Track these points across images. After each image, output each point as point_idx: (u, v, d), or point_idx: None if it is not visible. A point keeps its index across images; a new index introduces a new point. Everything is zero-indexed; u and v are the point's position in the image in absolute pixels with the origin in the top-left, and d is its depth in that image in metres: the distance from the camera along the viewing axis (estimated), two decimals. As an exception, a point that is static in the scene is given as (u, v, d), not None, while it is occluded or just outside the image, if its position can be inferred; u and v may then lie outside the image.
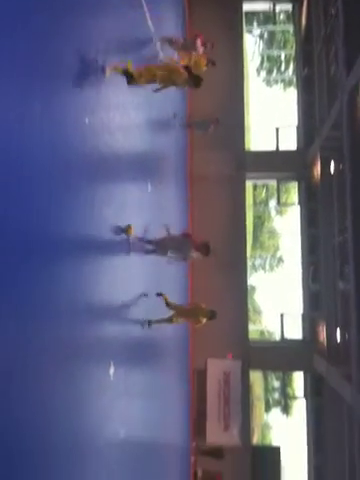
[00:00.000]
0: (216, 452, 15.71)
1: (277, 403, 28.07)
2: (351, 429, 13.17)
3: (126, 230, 7.49)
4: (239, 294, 17.37)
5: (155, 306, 9.60)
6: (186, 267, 15.65)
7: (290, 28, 21.71)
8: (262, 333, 27.66)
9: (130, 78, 6.71)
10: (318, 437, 17.06)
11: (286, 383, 22.93)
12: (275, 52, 26.21)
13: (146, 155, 9.87)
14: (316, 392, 17.28)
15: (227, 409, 16.56)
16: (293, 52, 21.64)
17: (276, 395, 28.00)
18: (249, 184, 20.18)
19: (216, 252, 11.76)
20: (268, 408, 28.60)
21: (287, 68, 26.86)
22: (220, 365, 16.49)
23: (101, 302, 6.48)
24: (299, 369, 18.79)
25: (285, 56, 26.43)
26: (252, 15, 22.36)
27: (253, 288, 28.13)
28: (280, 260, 31.36)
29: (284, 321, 18.77)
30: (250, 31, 23.52)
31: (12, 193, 3.86)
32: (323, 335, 15.72)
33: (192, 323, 10.54)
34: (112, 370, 6.70)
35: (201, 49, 12.25)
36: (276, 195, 20.66)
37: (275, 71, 27.33)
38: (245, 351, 16.96)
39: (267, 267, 31.70)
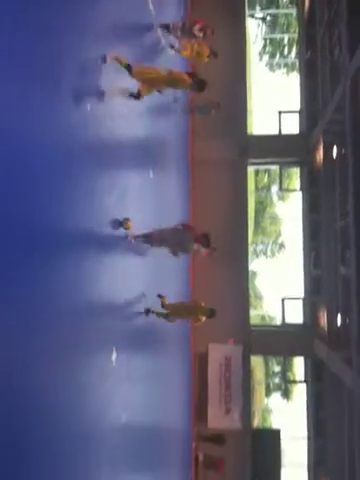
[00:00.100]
0: (218, 438, 15.85)
1: (278, 387, 28.30)
2: (351, 413, 13.26)
3: (124, 224, 7.25)
4: (240, 279, 17.39)
5: (156, 293, 9.64)
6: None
7: (293, 11, 21.45)
8: (263, 318, 27.80)
9: (130, 70, 6.64)
10: (318, 421, 17.20)
11: (287, 368, 23.08)
12: (278, 36, 25.95)
13: (147, 141, 9.82)
14: (316, 377, 17.37)
15: (228, 393, 16.69)
16: (296, 35, 21.41)
17: (277, 380, 28.23)
18: (251, 169, 20.09)
19: (217, 247, 11.76)
20: (269, 392, 28.84)
21: (290, 52, 26.62)
22: (221, 350, 16.56)
23: (103, 290, 6.49)
24: (300, 354, 18.89)
25: (288, 40, 26.17)
26: (255, -2, 22.11)
27: (254, 273, 28.19)
28: (282, 246, 31.39)
29: (285, 306, 18.83)
30: (253, 15, 23.26)
31: (13, 181, 3.85)
32: (324, 320, 15.77)
33: (192, 321, 10.36)
34: (114, 356, 6.73)
35: (200, 35, 11.99)
36: (278, 180, 20.58)
37: (278, 55, 27.10)
38: (246, 336, 17.03)
39: (268, 253, 31.74)
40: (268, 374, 27.68)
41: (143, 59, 9.19)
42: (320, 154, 16.26)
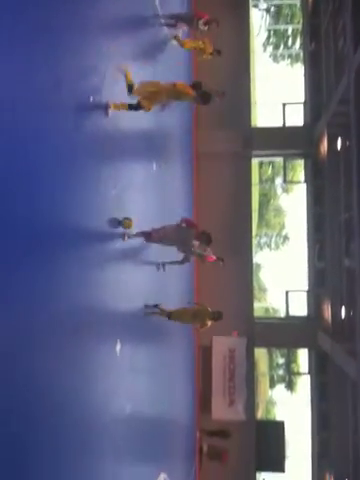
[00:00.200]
0: (223, 433, 15.92)
1: (282, 379, 28.35)
2: (355, 405, 13.30)
3: (123, 223, 7.02)
4: (244, 272, 17.39)
5: (163, 284, 9.66)
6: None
7: (297, 2, 21.29)
8: (267, 310, 27.80)
9: (131, 88, 6.53)
10: (322, 413, 17.25)
11: (291, 360, 23.11)
12: (282, 27, 25.79)
13: (151, 133, 9.81)
14: (320, 369, 17.40)
15: (232, 385, 16.74)
16: (300, 26, 21.26)
17: (281, 371, 28.28)
18: (255, 162, 20.04)
19: (223, 259, 11.72)
20: (273, 384, 28.89)
21: (294, 43, 26.46)
22: (225, 342, 16.60)
23: (108, 282, 6.51)
24: (304, 346, 18.90)
25: (292, 31, 26.00)
26: (259, -12, 21.96)
27: (258, 266, 28.17)
28: (286, 238, 31.34)
29: (289, 298, 18.84)
30: (256, 5, 23.11)
31: (16, 173, 3.86)
32: (328, 312, 15.77)
33: (197, 326, 9.91)
34: (118, 347, 6.77)
35: (205, 29, 11.90)
36: (282, 173, 20.52)
37: (282, 46, 26.94)
38: (250, 328, 17.05)
39: (272, 245, 31.70)
40: (272, 366, 27.71)
41: (148, 52, 9.19)
42: (324, 146, 16.20)
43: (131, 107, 6.63)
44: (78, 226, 5.41)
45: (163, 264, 9.85)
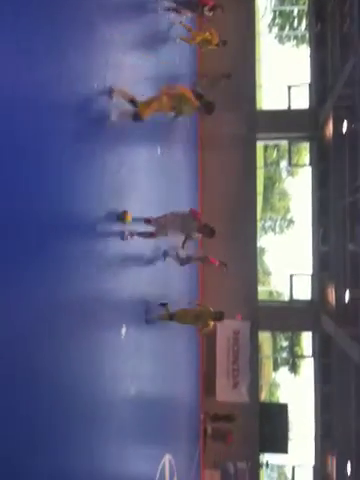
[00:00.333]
0: (227, 418, 16.08)
1: (285, 362, 28.51)
2: (358, 387, 13.40)
3: (121, 217, 6.70)
4: (249, 256, 17.41)
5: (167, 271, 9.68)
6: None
7: (303, -18, 21.00)
8: (271, 294, 27.86)
9: (135, 104, 6.32)
10: (325, 395, 17.38)
11: (294, 343, 23.24)
12: (287, 8, 25.44)
13: (155, 116, 9.73)
14: (324, 352, 17.49)
15: (236, 368, 16.87)
16: (306, 7, 20.99)
17: (284, 354, 28.43)
18: (260, 145, 19.93)
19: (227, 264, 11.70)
20: (276, 367, 29.06)
21: (300, 24, 26.13)
22: (229, 325, 16.68)
23: (113, 266, 6.54)
24: (307, 329, 18.99)
25: (298, 12, 25.66)
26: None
27: (263, 250, 28.17)
28: (290, 222, 31.27)
29: (293, 282, 18.88)
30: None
31: (21, 158, 3.87)
32: (332, 296, 15.81)
33: (199, 327, 9.67)
34: (124, 330, 6.82)
35: (210, 15, 11.76)
36: (287, 156, 20.42)
37: (287, 27, 26.61)
38: (254, 312, 17.12)
39: (277, 229, 31.66)
40: (276, 349, 27.86)
41: (151, 39, 9.10)
42: (330, 129, 16.09)
43: (134, 117, 6.39)
44: (82, 218, 5.42)
45: (166, 253, 9.86)
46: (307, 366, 22.13)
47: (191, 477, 13.59)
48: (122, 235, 6.83)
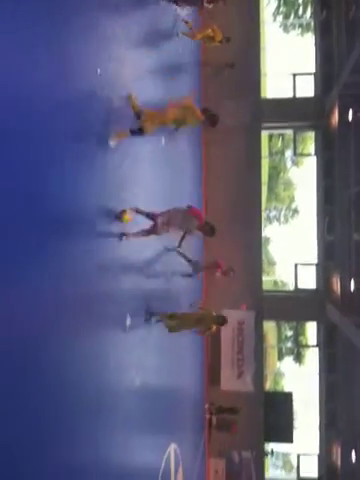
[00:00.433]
0: (232, 410, 16.15)
1: (290, 352, 28.57)
2: (363, 377, 13.42)
3: (120, 216, 6.46)
4: (254, 246, 17.40)
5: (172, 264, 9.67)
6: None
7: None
8: (276, 283, 27.86)
9: (139, 116, 6.26)
10: (330, 384, 17.42)
11: (299, 332, 23.26)
12: (292, -5, 25.20)
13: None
14: (329, 341, 17.52)
15: (241, 357, 16.92)
16: (311, -5, 20.78)
17: (289, 344, 28.48)
18: (265, 134, 19.84)
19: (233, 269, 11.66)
20: (281, 356, 29.13)
21: (304, 12, 25.86)
22: (234, 315, 16.70)
23: (116, 258, 6.54)
24: (312, 319, 19.01)
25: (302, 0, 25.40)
26: None
27: (267, 239, 28.14)
28: (295, 211, 31.19)
29: (298, 271, 18.86)
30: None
31: (22, 148, 3.85)
32: (337, 285, 15.80)
33: (202, 331, 9.65)
34: (128, 321, 6.84)
35: (210, 6, 11.56)
36: (292, 145, 20.32)
37: (292, 15, 26.36)
38: (259, 301, 17.13)
39: (282, 218, 31.59)
40: (281, 338, 27.90)
41: (153, 34, 9.02)
42: (335, 117, 15.99)
43: (134, 133, 6.29)
44: (85, 210, 5.41)
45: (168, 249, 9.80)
46: (312, 355, 22.16)
47: (196, 466, 13.68)
48: (121, 235, 6.67)
